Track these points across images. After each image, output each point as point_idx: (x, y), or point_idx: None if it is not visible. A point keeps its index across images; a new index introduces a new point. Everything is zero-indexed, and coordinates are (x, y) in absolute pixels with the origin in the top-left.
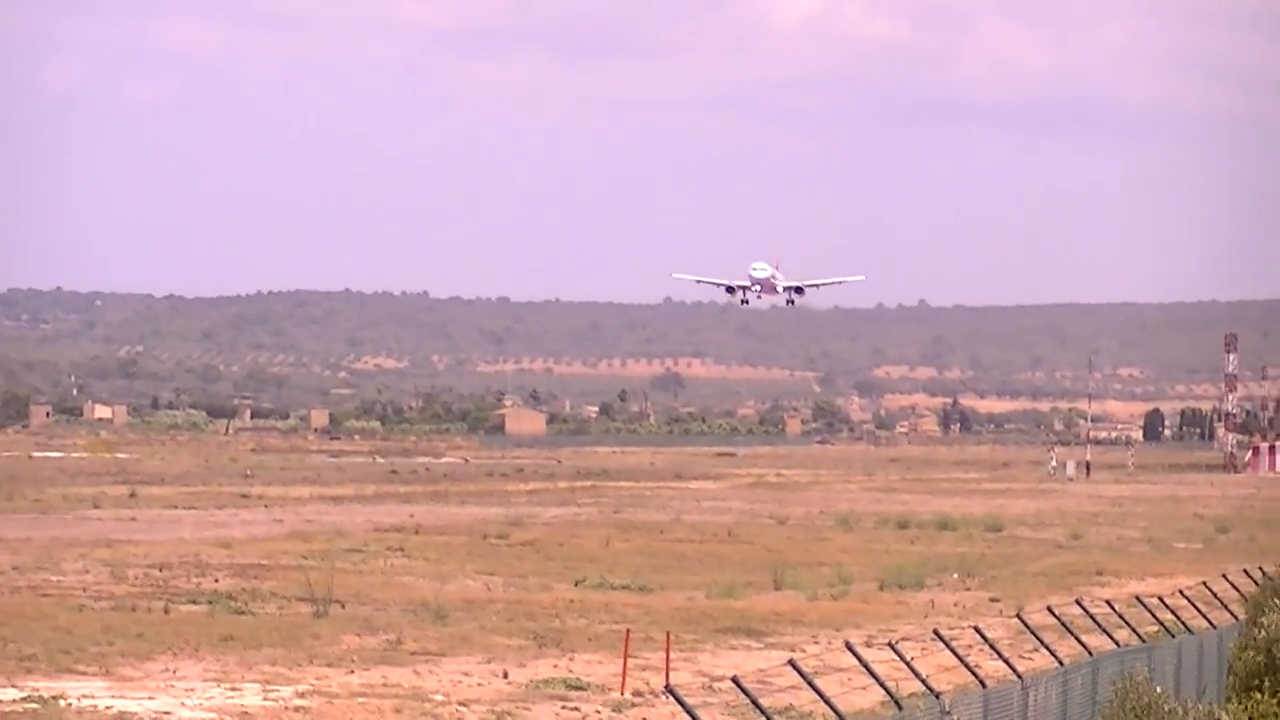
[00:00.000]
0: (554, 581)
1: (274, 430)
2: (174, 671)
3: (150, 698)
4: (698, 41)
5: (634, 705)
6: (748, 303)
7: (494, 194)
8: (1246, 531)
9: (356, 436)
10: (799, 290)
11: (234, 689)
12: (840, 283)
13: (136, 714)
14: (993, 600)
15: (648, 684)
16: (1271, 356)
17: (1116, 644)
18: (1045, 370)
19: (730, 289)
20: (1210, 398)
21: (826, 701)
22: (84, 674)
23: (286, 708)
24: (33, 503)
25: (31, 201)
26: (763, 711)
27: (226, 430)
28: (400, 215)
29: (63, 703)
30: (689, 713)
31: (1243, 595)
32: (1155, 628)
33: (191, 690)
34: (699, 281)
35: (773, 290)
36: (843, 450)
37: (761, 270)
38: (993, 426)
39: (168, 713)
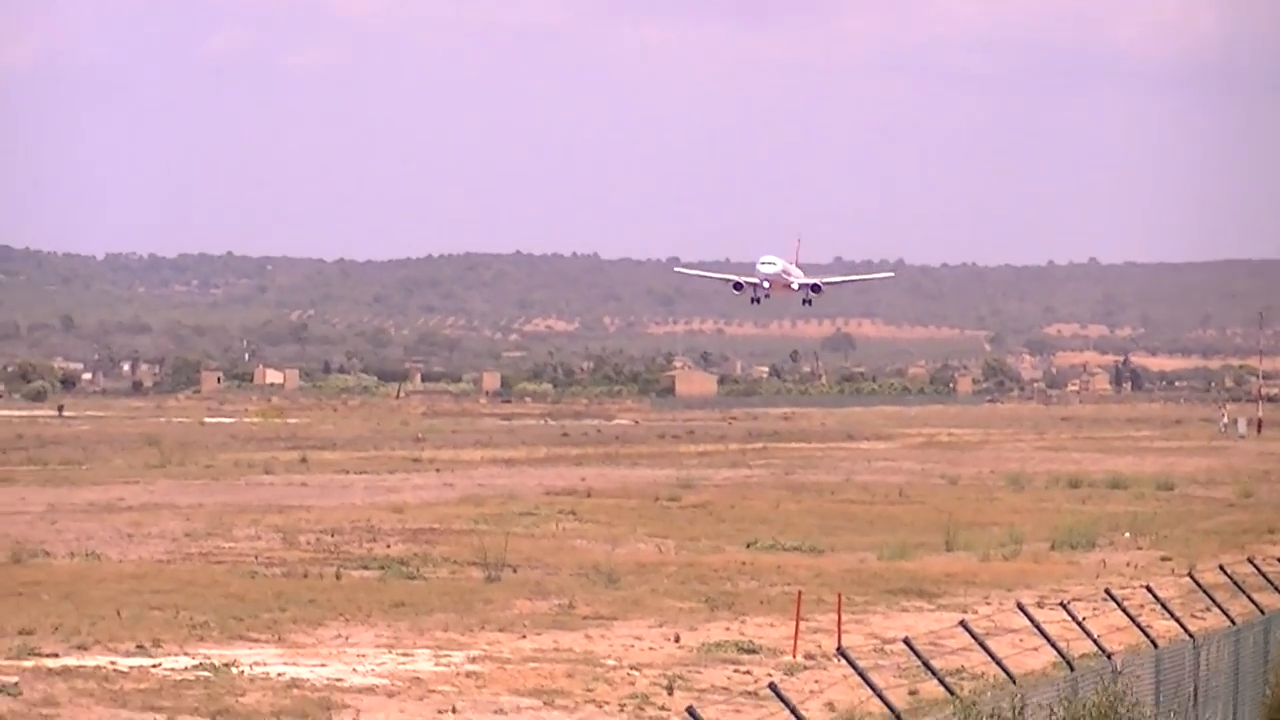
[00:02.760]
0: (725, 544)
1: (445, 394)
2: (346, 638)
3: (322, 664)
4: (865, 3)
5: (806, 668)
6: (758, 301)
7: (663, 156)
8: None
9: (528, 399)
10: (815, 288)
11: (406, 655)
12: (867, 280)
13: (308, 680)
14: (1164, 559)
15: (819, 646)
16: None
17: None
18: (1216, 327)
19: (738, 285)
20: None
21: (998, 662)
22: (256, 641)
23: (458, 673)
24: (204, 468)
25: (200, 168)
26: (934, 673)
27: (397, 394)
28: (569, 177)
29: (235, 670)
30: (861, 675)
31: None
32: None
33: (363, 656)
34: (702, 276)
35: (786, 288)
36: (1013, 409)
37: (770, 265)
38: (1164, 384)
39: (340, 679)
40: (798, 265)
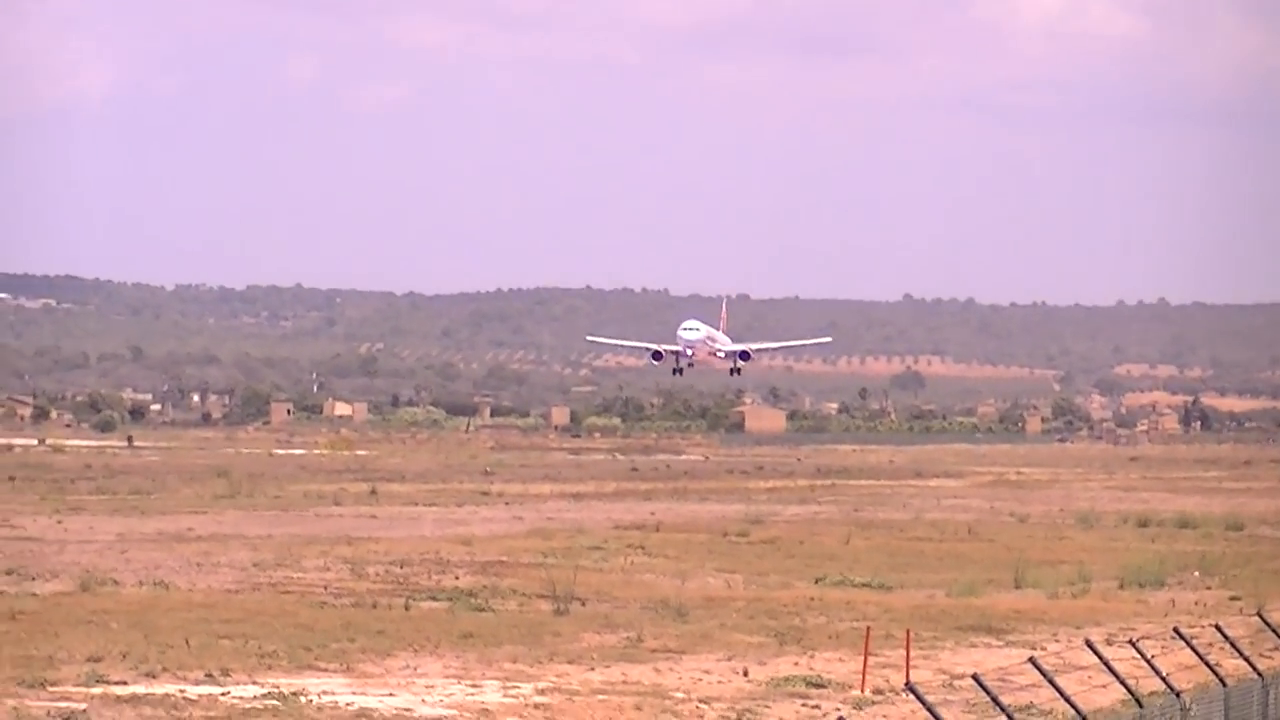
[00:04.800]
0: (794, 579)
1: (514, 428)
2: (414, 668)
3: (390, 694)
4: (937, 42)
5: (874, 703)
6: (680, 372)
7: (733, 192)
8: None
9: (597, 434)
10: (744, 355)
11: (474, 686)
12: (802, 345)
13: (377, 710)
14: (1233, 599)
15: (888, 682)
16: None
17: None
18: None
19: (657, 355)
20: None
21: (1067, 699)
22: (325, 670)
23: (527, 705)
24: (273, 500)
25: (272, 199)
26: (1003, 709)
27: (466, 428)
28: (640, 213)
29: (303, 699)
30: (929, 710)
31: None
32: None
33: (432, 687)
34: (615, 344)
35: (711, 355)
36: (1083, 448)
37: (693, 331)
38: (1233, 425)
39: (408, 710)
40: (725, 332)
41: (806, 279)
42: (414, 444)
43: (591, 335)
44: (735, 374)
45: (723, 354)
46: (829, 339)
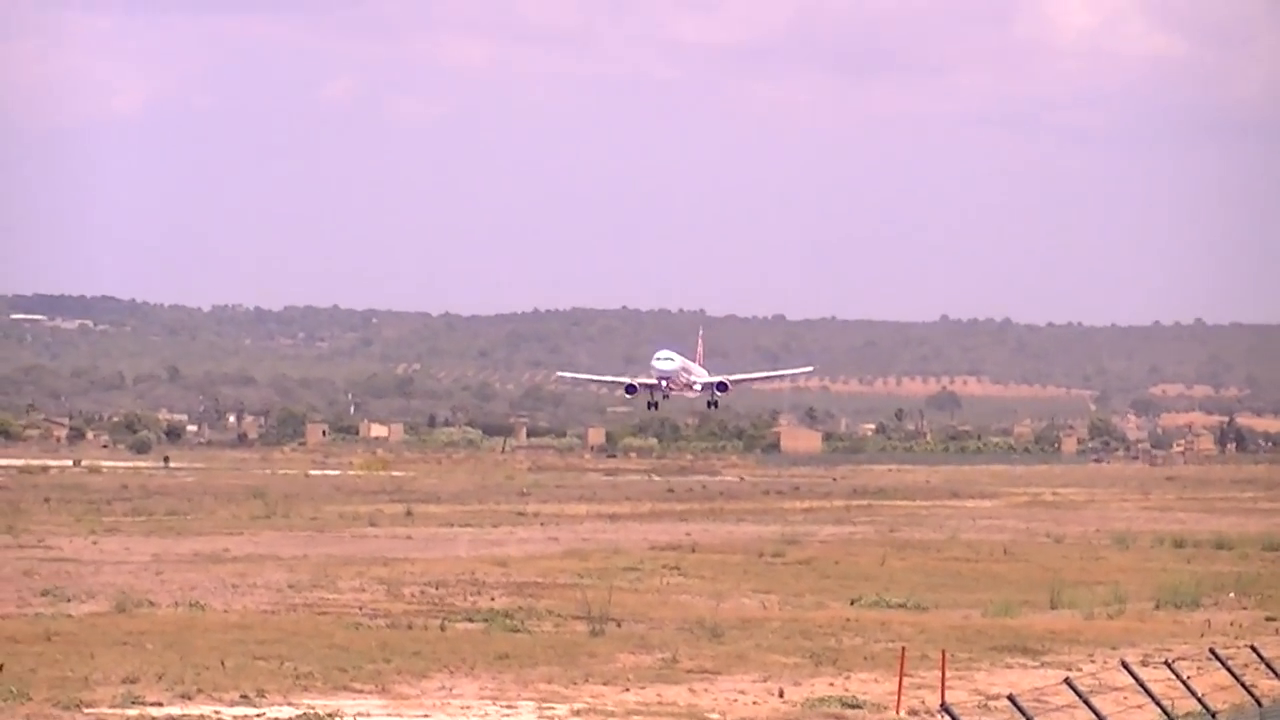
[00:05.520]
0: (830, 600)
1: (550, 448)
2: (450, 689)
3: (426, 715)
4: (972, 60)
5: None
6: (655, 406)
7: (769, 211)
8: None
9: (633, 454)
10: (722, 387)
11: (509, 707)
12: (782, 376)
13: None
14: (1269, 619)
15: (923, 703)
16: None
17: None
18: None
19: (631, 388)
20: None
21: None
22: (360, 692)
23: None
24: (309, 520)
25: (308, 220)
26: None
27: (503, 448)
28: (676, 233)
29: None
30: None
31: None
32: None
33: (467, 708)
34: (587, 380)
35: (686, 387)
36: (1118, 469)
37: (668, 361)
38: (1269, 445)
39: None
40: (701, 364)
41: (843, 299)
42: (450, 465)
43: (562, 371)
44: (712, 406)
45: (699, 386)
46: (810, 368)
